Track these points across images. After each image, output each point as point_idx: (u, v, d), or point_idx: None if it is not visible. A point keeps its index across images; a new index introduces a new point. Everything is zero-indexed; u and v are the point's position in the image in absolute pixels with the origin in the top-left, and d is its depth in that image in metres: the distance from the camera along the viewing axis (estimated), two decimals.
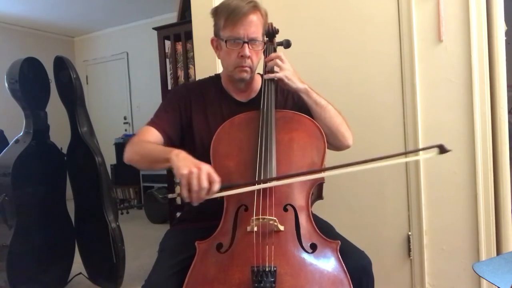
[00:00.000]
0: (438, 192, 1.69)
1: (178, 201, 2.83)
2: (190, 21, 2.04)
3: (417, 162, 1.70)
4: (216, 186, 0.95)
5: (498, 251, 1.62)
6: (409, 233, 1.75)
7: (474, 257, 1.64)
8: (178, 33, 2.66)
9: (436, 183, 1.69)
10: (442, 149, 0.95)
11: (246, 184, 1.03)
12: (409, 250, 1.76)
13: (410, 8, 1.68)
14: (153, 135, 1.21)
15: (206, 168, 0.95)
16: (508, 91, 1.62)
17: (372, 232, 1.80)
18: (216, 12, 1.23)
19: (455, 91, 1.64)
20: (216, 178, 0.96)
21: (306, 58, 1.80)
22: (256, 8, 1.19)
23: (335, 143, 1.24)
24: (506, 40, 1.60)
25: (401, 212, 1.77)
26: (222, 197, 1.09)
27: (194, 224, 1.25)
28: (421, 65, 1.68)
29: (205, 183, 0.93)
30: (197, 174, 0.93)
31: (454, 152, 1.65)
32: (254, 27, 1.19)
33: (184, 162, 0.97)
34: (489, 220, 1.61)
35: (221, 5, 1.23)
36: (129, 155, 1.17)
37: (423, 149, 1.11)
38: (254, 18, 1.19)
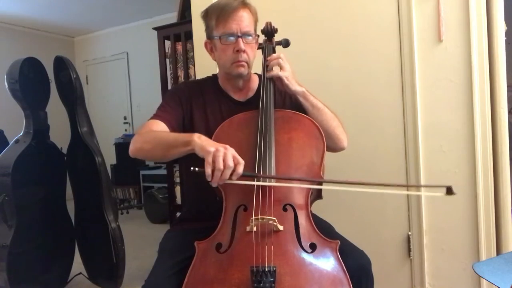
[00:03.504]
0: None
1: (179, 201, 2.83)
2: (190, 21, 2.05)
3: (416, 160, 1.70)
4: (241, 168, 0.96)
5: (498, 251, 1.61)
6: (409, 233, 1.75)
7: (474, 257, 1.63)
8: (178, 33, 2.65)
9: (436, 183, 1.69)
10: (449, 191, 0.97)
11: (262, 176, 1.03)
12: (409, 250, 1.75)
13: (410, 8, 1.68)
14: (160, 127, 1.20)
15: (232, 149, 0.97)
16: (508, 91, 1.61)
17: (372, 232, 1.80)
18: (207, 14, 1.26)
19: (455, 91, 1.64)
20: (241, 160, 0.97)
21: (305, 58, 1.80)
22: (245, 4, 1.22)
23: (330, 145, 1.24)
24: (506, 40, 1.60)
25: (401, 212, 1.77)
26: (221, 198, 1.09)
27: (193, 224, 1.25)
28: (421, 65, 1.68)
29: (230, 162, 0.94)
30: (223, 153, 0.95)
31: (454, 152, 1.65)
32: (245, 21, 1.21)
33: (208, 142, 1.00)
34: (489, 220, 1.61)
35: (211, 7, 1.25)
36: (138, 145, 1.15)
37: (431, 186, 1.11)
38: (245, 13, 1.21)
